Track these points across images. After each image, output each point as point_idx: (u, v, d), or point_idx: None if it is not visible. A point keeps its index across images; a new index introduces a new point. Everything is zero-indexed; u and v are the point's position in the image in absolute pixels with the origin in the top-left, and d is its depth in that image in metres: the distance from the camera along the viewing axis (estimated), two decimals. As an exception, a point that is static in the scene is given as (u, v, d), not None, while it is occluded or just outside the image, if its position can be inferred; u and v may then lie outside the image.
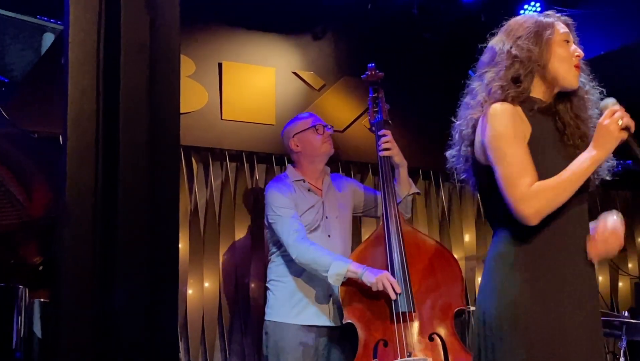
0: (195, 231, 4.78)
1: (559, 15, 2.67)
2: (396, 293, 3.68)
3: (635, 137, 2.53)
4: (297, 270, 3.89)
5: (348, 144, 5.11)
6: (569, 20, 2.69)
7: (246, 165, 4.96)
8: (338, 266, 3.74)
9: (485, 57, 2.67)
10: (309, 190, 4.05)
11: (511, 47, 2.58)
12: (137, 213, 2.18)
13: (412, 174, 5.50)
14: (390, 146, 4.09)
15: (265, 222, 4.05)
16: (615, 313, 4.65)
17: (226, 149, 4.93)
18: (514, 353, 2.43)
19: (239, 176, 4.97)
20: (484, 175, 2.59)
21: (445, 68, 5.40)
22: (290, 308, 3.92)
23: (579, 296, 2.52)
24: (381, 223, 3.95)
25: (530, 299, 2.46)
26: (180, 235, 4.49)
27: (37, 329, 2.97)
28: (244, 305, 4.14)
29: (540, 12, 3.54)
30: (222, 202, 4.89)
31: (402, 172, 4.15)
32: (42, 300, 3.04)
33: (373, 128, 4.22)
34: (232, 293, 4.79)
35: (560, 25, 2.65)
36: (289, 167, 4.19)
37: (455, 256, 5.50)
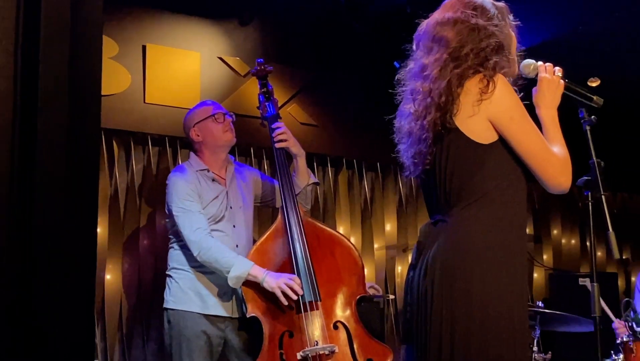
0: (114, 216, 4.71)
1: None
2: (300, 286, 3.71)
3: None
4: None
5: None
6: None
7: (169, 150, 4.91)
8: (238, 269, 3.72)
9: (456, 29, 2.54)
10: (213, 180, 4.00)
11: (486, 25, 2.53)
12: (55, 196, 2.14)
13: (336, 163, 5.54)
14: (285, 137, 4.07)
15: (167, 211, 4.00)
16: (530, 304, 4.76)
17: (148, 133, 4.86)
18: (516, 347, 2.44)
19: (161, 161, 4.91)
20: (472, 151, 2.48)
21: (372, 58, 5.44)
22: (194, 296, 3.88)
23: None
24: (280, 215, 3.95)
25: (518, 287, 2.49)
26: (99, 219, 4.42)
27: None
28: (163, 291, 4.09)
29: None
30: (144, 187, 4.83)
31: (301, 162, 4.12)
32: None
33: (264, 122, 4.19)
34: (151, 279, 4.74)
35: None
36: (192, 155, 4.11)
37: (377, 245, 5.59)
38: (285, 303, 3.69)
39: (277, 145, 4.04)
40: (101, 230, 4.60)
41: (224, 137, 4.06)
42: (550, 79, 2.61)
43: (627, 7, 4.95)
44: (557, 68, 2.64)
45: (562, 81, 2.63)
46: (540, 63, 2.65)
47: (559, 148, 2.51)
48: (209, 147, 4.05)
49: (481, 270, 2.43)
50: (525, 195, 2.54)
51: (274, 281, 3.69)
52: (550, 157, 2.48)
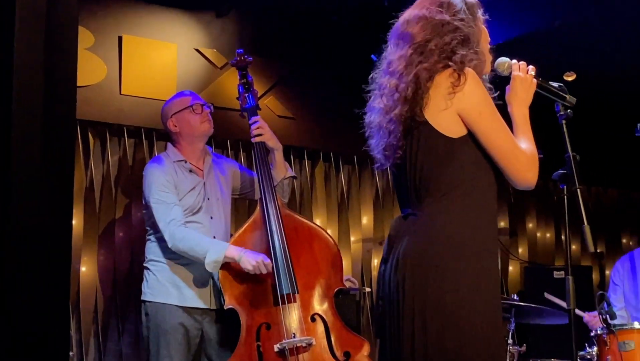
0: (90, 208, 4.68)
1: None
2: (279, 276, 3.72)
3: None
4: None
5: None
6: None
7: (145, 142, 4.88)
8: (214, 253, 3.71)
9: (419, 25, 2.57)
10: (190, 171, 3.99)
11: (451, 20, 2.55)
12: (30, 188, 2.12)
13: (313, 156, 5.54)
14: (262, 131, 4.06)
15: (144, 202, 3.98)
16: (505, 296, 4.79)
17: (124, 125, 4.84)
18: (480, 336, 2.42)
19: (137, 152, 4.89)
20: (441, 144, 2.49)
21: (349, 51, 5.43)
22: (171, 289, 3.87)
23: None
24: (259, 207, 3.94)
25: (486, 278, 2.48)
26: (74, 211, 4.39)
27: None
28: (138, 284, 4.08)
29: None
30: (119, 179, 4.81)
31: (278, 155, 4.12)
32: None
33: (244, 114, 4.19)
34: (126, 271, 4.72)
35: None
36: (169, 146, 4.10)
37: (353, 238, 5.60)
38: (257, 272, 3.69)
39: (254, 140, 4.05)
40: (76, 222, 4.57)
41: (201, 128, 4.05)
42: (523, 77, 2.63)
43: (602, 2, 4.98)
44: (530, 67, 2.66)
45: (534, 80, 2.65)
46: (514, 61, 2.67)
47: (526, 145, 2.54)
48: (186, 137, 4.04)
49: (453, 265, 2.43)
50: (495, 189, 2.56)
51: (253, 260, 3.68)
52: (517, 153, 2.50)
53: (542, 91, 2.69)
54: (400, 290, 2.48)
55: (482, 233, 2.49)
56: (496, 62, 2.67)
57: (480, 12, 2.64)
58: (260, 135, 4.05)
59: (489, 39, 2.68)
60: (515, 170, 2.51)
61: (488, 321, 2.44)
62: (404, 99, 2.51)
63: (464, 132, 2.50)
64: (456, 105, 2.48)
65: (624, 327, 4.19)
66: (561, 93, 2.71)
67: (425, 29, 2.56)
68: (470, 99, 2.48)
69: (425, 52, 2.52)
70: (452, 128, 2.50)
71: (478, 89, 2.50)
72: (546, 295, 4.69)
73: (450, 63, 2.49)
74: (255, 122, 4.07)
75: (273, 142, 4.09)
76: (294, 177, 4.29)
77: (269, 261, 3.71)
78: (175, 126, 4.04)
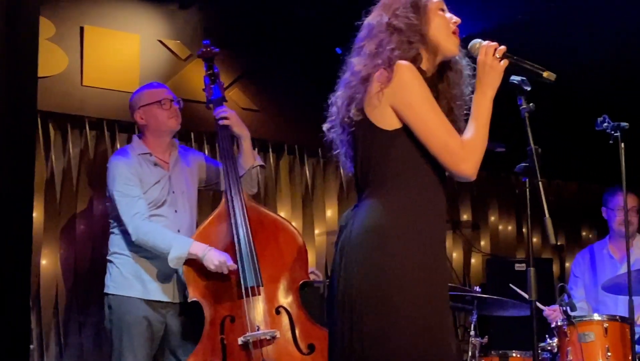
0: (51, 200, 4.64)
1: None
2: (244, 268, 3.71)
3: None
4: None
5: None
6: None
7: (107, 134, 4.84)
8: (177, 249, 3.70)
9: (362, 33, 2.66)
10: (155, 165, 3.96)
11: (389, 19, 2.59)
12: (-11, 180, 2.09)
13: (277, 149, 5.54)
14: (228, 115, 4.06)
15: (107, 195, 3.95)
16: (467, 289, 4.83)
17: (86, 116, 4.79)
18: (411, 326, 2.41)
19: (98, 144, 4.84)
20: (377, 137, 2.54)
21: (314, 44, 5.43)
22: (135, 282, 3.85)
23: (445, 266, 2.60)
24: (223, 199, 3.93)
25: (417, 271, 2.46)
26: (35, 203, 4.34)
27: None
28: (100, 277, 4.06)
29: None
30: (81, 171, 4.76)
31: (245, 144, 4.10)
32: None
33: (210, 105, 4.17)
34: (88, 264, 4.68)
35: None
36: (135, 138, 4.07)
37: (317, 230, 5.61)
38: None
39: (221, 123, 4.03)
40: (37, 214, 4.52)
41: (168, 123, 4.02)
42: (484, 61, 2.59)
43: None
44: (500, 47, 2.60)
45: (501, 63, 2.59)
46: (485, 43, 2.63)
47: (470, 135, 2.52)
48: (152, 131, 4.01)
49: (382, 255, 2.44)
50: (437, 180, 2.55)
51: (214, 260, 3.67)
52: (450, 144, 2.49)
53: (517, 68, 2.65)
54: (336, 281, 2.51)
55: (418, 223, 2.49)
56: (469, 45, 2.66)
57: (425, 1, 2.63)
58: (226, 118, 4.03)
59: (449, 26, 2.66)
60: (448, 162, 2.50)
61: (416, 311, 2.42)
62: (342, 101, 2.60)
63: (399, 124, 2.53)
64: (387, 100, 2.51)
65: (584, 319, 4.24)
66: (537, 70, 2.66)
67: (364, 34, 2.64)
68: (398, 92, 2.50)
69: (362, 54, 2.60)
70: (387, 122, 2.53)
71: (408, 81, 2.51)
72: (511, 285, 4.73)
73: (379, 62, 2.54)
74: (221, 106, 4.06)
75: (239, 129, 4.08)
76: (262, 166, 4.28)
77: (232, 262, 3.70)
78: (142, 118, 4.01)
